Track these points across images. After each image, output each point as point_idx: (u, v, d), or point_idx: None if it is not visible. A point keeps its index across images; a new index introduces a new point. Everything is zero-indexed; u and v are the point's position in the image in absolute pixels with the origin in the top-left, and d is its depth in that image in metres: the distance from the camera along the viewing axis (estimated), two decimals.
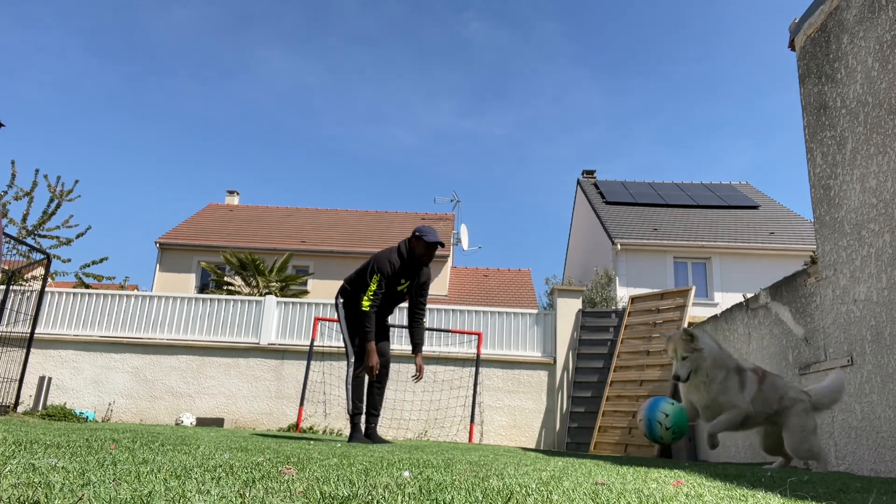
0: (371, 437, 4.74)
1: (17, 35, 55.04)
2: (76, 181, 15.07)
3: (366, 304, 4.61)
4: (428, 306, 10.51)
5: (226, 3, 56.40)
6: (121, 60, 57.48)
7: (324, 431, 9.04)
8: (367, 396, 4.78)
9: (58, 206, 14.56)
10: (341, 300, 4.93)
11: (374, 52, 67.69)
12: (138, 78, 57.40)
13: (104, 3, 53.91)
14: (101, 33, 55.84)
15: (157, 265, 20.27)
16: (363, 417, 4.73)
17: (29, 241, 13.54)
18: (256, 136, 66.10)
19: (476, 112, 72.03)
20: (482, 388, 9.58)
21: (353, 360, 4.71)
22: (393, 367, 9.92)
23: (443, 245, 4.81)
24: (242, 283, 14.30)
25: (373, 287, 4.64)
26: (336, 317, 5.46)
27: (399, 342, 10.11)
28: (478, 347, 9.36)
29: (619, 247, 16.20)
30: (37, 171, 14.72)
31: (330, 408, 9.42)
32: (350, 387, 4.69)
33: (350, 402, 4.67)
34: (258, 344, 10.00)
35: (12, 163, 14.46)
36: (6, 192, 14.21)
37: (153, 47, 56.65)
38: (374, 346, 4.61)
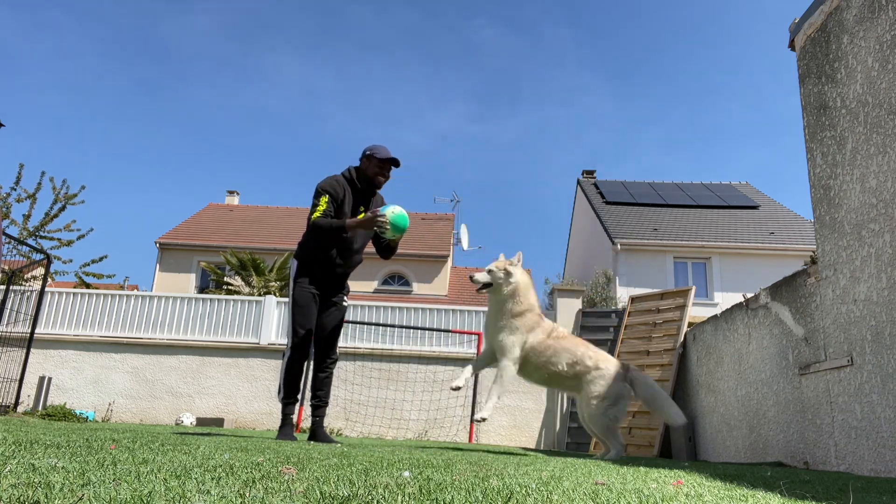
0: (315, 434, 4.18)
1: (33, 39, 55.33)
2: (82, 186, 15.07)
3: (315, 214, 3.99)
4: (428, 306, 10.52)
5: (241, 10, 56.71)
6: (134, 65, 57.80)
7: None
8: (311, 382, 4.26)
9: (61, 208, 14.55)
10: (294, 263, 4.27)
11: (386, 58, 68.00)
12: (149, 82, 57.71)
13: (121, 9, 54.21)
14: (116, 39, 56.19)
15: (157, 265, 20.27)
16: (307, 410, 4.29)
17: (30, 241, 13.55)
18: (261, 138, 66.30)
19: (485, 116, 72.33)
20: (482, 388, 9.58)
21: (289, 342, 4.14)
22: (393, 367, 9.93)
23: (398, 164, 4.17)
24: (242, 283, 14.31)
25: (321, 207, 4.00)
26: None
27: (399, 342, 10.12)
28: (478, 347, 9.36)
29: (619, 247, 16.20)
30: (42, 173, 14.74)
31: (329, 407, 9.42)
32: (283, 373, 4.15)
33: (281, 390, 4.16)
34: (258, 344, 10.00)
35: (20, 166, 14.47)
36: (9, 195, 14.22)
37: (167, 52, 56.96)
38: (354, 218, 3.99)
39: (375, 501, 1.22)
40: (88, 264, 14.93)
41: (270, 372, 9.80)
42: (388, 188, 4.26)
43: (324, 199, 4.03)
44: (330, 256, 4.16)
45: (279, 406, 4.29)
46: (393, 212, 3.91)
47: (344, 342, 9.59)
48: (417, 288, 20.54)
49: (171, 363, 9.93)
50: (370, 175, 4.14)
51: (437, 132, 72.77)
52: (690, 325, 8.01)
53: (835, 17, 4.75)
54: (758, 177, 68.71)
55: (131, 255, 48.11)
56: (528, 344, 4.05)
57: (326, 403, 4.31)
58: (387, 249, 4.29)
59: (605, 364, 4.13)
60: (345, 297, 4.39)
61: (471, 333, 9.63)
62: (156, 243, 20.37)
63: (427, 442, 7.61)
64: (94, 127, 64.15)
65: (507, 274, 4.09)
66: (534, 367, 4.15)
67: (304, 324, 4.12)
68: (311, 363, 4.35)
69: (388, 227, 3.90)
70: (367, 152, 4.17)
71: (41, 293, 8.50)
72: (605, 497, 1.44)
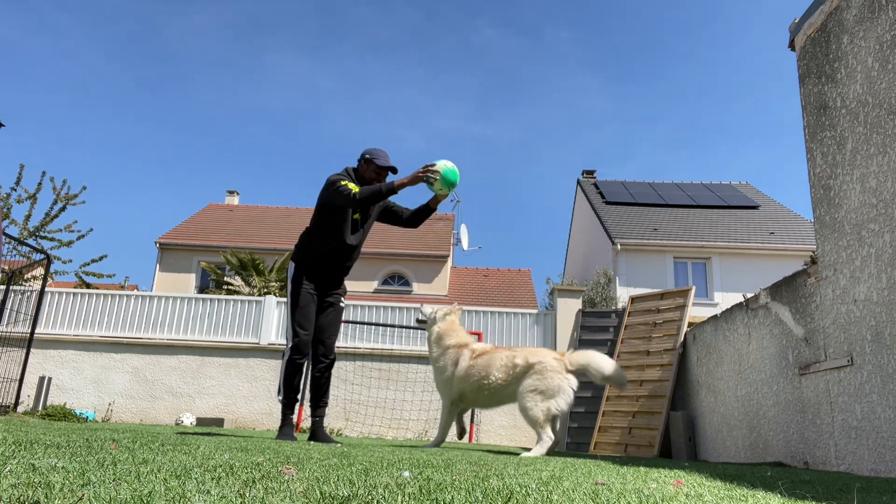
0: (315, 434, 4.15)
1: (33, 39, 55.43)
2: (83, 187, 15.03)
3: (355, 189, 3.90)
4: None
5: (242, 11, 56.84)
6: (136, 65, 57.92)
7: None
8: (310, 383, 4.27)
9: (61, 209, 14.55)
10: (292, 265, 4.27)
11: (388, 58, 68.07)
12: (150, 82, 57.83)
13: (123, 10, 54.34)
14: (116, 39, 56.32)
15: (157, 265, 20.28)
16: (307, 410, 4.21)
17: (30, 241, 13.55)
18: (262, 138, 66.33)
19: (485, 116, 72.37)
20: None
21: (289, 343, 4.11)
22: (393, 367, 9.93)
23: (396, 171, 4.16)
24: (242, 283, 14.31)
25: (351, 186, 3.93)
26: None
27: (399, 342, 10.12)
28: None
29: (619, 247, 16.20)
30: (43, 173, 14.73)
31: (329, 407, 9.42)
32: (283, 373, 4.11)
33: (281, 390, 4.13)
34: (258, 344, 10.00)
35: (21, 166, 14.47)
36: (9, 195, 14.22)
37: (167, 52, 57.07)
38: (401, 180, 3.91)
39: (375, 501, 1.22)
40: (88, 264, 14.94)
41: (270, 372, 9.80)
42: None
43: (345, 182, 3.99)
44: (329, 256, 4.19)
45: (279, 406, 4.29)
46: (445, 165, 3.86)
47: (344, 342, 9.59)
48: (417, 288, 20.54)
49: (171, 363, 9.93)
50: (367, 179, 4.15)
51: (438, 132, 72.88)
52: (690, 325, 8.01)
53: (835, 17, 4.75)
54: (758, 177, 68.85)
55: (131, 255, 48.17)
56: (456, 376, 4.20)
57: (326, 403, 4.31)
58: (421, 214, 4.24)
59: (536, 359, 4.08)
60: (342, 297, 4.40)
61: (471, 333, 9.62)
62: (156, 243, 20.37)
63: (427, 442, 7.61)
64: (94, 127, 64.23)
65: (433, 322, 4.47)
66: (474, 394, 4.22)
67: (304, 324, 4.13)
68: (310, 363, 4.35)
69: (438, 178, 3.85)
70: (367, 156, 4.16)
71: (41, 293, 8.50)
72: (605, 497, 1.44)
